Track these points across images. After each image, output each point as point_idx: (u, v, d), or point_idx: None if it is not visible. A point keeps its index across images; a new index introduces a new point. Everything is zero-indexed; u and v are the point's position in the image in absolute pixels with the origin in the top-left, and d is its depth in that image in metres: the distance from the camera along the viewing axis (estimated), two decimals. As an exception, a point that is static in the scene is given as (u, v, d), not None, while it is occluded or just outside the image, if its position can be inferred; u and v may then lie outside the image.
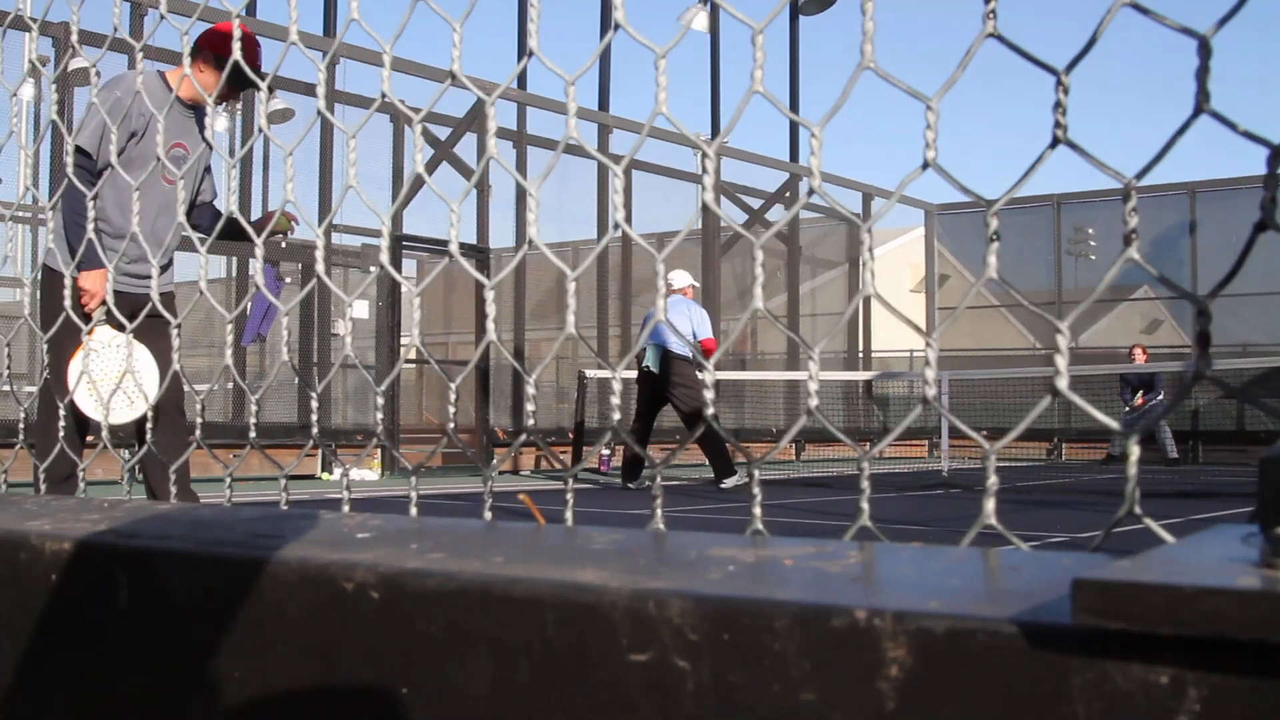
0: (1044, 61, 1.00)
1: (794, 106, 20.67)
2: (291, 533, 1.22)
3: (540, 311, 19.11)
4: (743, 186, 19.73)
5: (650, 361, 11.85)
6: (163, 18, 1.68)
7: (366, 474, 13.72)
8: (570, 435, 15.43)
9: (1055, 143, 0.99)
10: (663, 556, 1.02)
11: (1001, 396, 19.93)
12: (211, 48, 5.01)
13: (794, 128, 20.67)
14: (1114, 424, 1.01)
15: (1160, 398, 18.56)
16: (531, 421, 1.27)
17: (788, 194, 19.97)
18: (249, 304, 13.81)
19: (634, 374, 12.31)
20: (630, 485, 11.97)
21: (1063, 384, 0.99)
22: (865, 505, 1.06)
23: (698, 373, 11.82)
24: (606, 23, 17.98)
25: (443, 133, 15.14)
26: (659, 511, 1.19)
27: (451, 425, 1.26)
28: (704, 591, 0.87)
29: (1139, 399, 18.84)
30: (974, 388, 19.68)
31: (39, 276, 3.04)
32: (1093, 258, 22.16)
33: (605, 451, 15.00)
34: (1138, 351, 18.79)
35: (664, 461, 1.15)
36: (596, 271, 17.95)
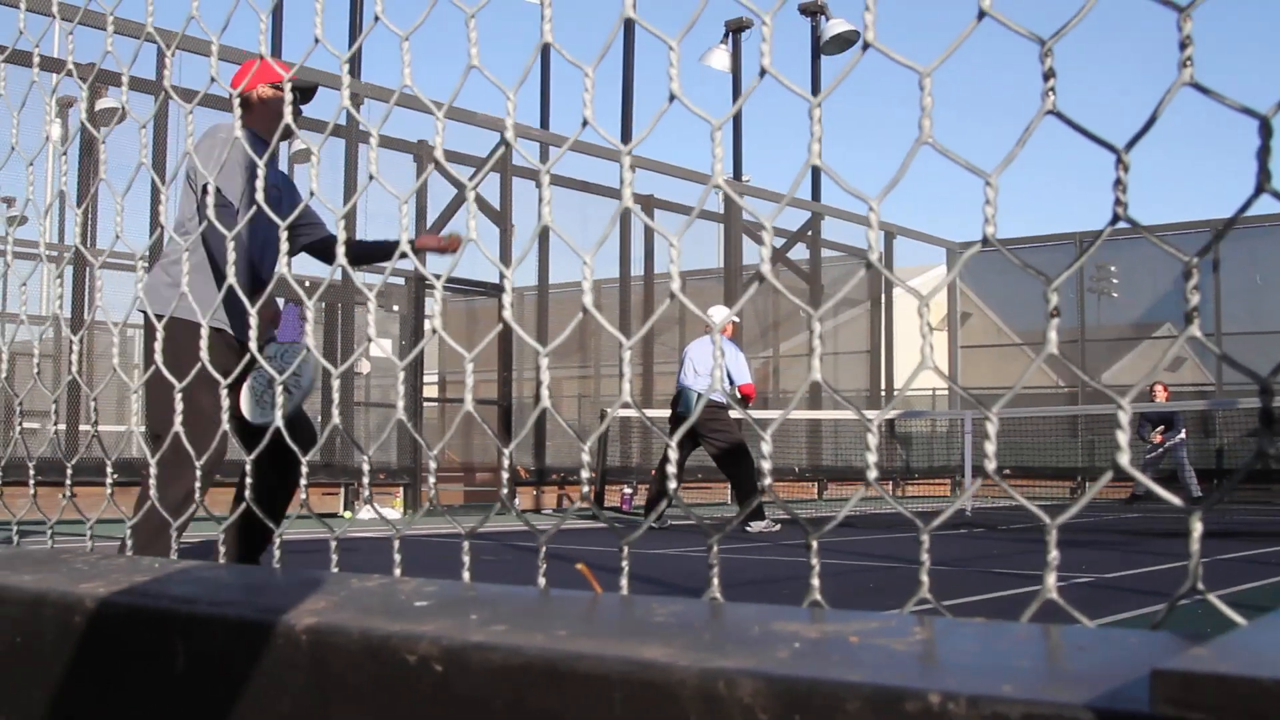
0: (1105, 140, 1.01)
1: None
2: (350, 600, 1.23)
3: (562, 349, 19.12)
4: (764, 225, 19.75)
5: (684, 405, 11.70)
6: (213, 79, 1.71)
7: (389, 512, 13.72)
8: (592, 474, 15.42)
9: (1115, 219, 1.00)
10: (726, 631, 1.02)
11: (1024, 435, 19.87)
12: (269, 80, 5.01)
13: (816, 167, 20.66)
14: (1177, 500, 1.01)
15: (1180, 435, 18.46)
16: (587, 488, 1.27)
17: (809, 232, 19.99)
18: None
19: (658, 414, 12.23)
20: (654, 525, 11.93)
21: (1124, 460, 0.99)
22: (925, 578, 1.07)
23: (731, 414, 11.71)
24: (629, 51, 18.07)
25: (464, 171, 15.21)
26: (715, 580, 1.19)
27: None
28: (774, 671, 0.88)
29: (1157, 435, 18.76)
30: (999, 426, 19.58)
31: (162, 330, 3.03)
32: (1115, 295, 22.12)
33: (627, 490, 14.98)
34: (1158, 389, 18.71)
35: (725, 532, 1.16)
36: (619, 310, 17.97)
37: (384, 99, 13.93)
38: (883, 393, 21.49)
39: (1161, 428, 18.66)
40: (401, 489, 14.41)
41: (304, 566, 1.56)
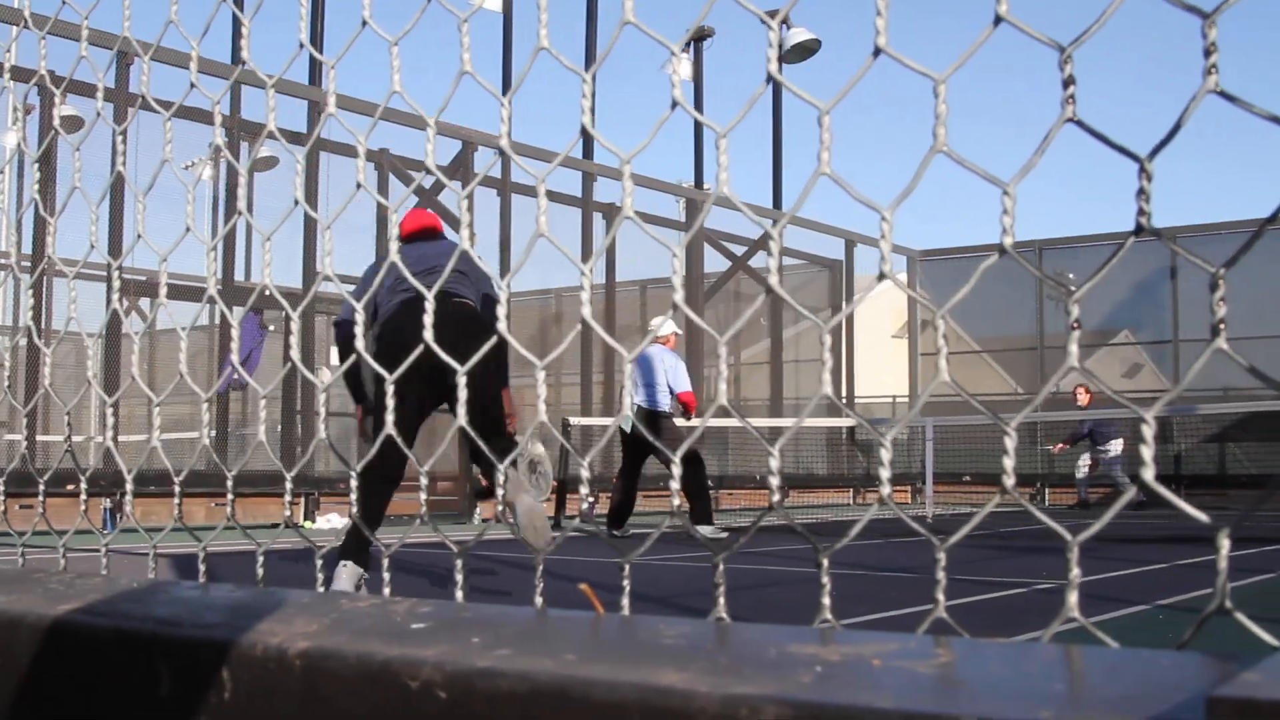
0: (1127, 148, 0.98)
1: (777, 151, 20.75)
2: (342, 622, 1.19)
3: (523, 358, 19.02)
4: (725, 234, 19.78)
5: (624, 423, 11.55)
6: (193, 85, 1.66)
7: (350, 522, 13.59)
8: (554, 483, 15.35)
9: (1139, 230, 0.98)
10: (741, 654, 0.99)
11: (984, 443, 19.94)
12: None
13: (777, 173, 20.73)
14: (1203, 516, 0.99)
15: (1114, 439, 18.53)
16: (586, 504, 1.24)
17: (770, 240, 20.00)
18: (233, 348, 13.79)
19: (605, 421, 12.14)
20: (615, 533, 11.90)
21: (1149, 475, 0.97)
22: (941, 596, 1.04)
23: (676, 422, 11.67)
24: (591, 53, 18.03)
25: (428, 181, 15.13)
26: (721, 600, 1.16)
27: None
28: (800, 697, 0.85)
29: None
30: (957, 433, 19.69)
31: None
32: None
33: (590, 500, 14.90)
34: (1080, 391, 18.86)
35: (733, 550, 1.13)
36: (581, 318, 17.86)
37: (347, 106, 13.82)
38: (843, 401, 21.52)
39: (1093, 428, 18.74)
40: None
41: (273, 582, 1.52)
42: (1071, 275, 22.11)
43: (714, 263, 19.86)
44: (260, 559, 1.53)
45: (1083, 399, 18.73)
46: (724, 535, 11.34)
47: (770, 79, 1.14)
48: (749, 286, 20.57)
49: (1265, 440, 19.06)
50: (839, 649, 0.98)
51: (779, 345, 20.60)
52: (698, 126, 19.85)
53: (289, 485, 1.53)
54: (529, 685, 0.96)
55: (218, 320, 15.12)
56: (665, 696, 0.89)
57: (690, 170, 20.13)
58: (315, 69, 14.82)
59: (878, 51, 1.07)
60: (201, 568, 1.60)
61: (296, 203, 1.55)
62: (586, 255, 17.51)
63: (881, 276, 1.07)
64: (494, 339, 1.41)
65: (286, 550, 8.79)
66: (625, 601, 1.22)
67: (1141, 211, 0.97)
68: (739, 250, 20.00)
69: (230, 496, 1.58)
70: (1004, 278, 21.93)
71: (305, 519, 13.85)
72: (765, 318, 20.46)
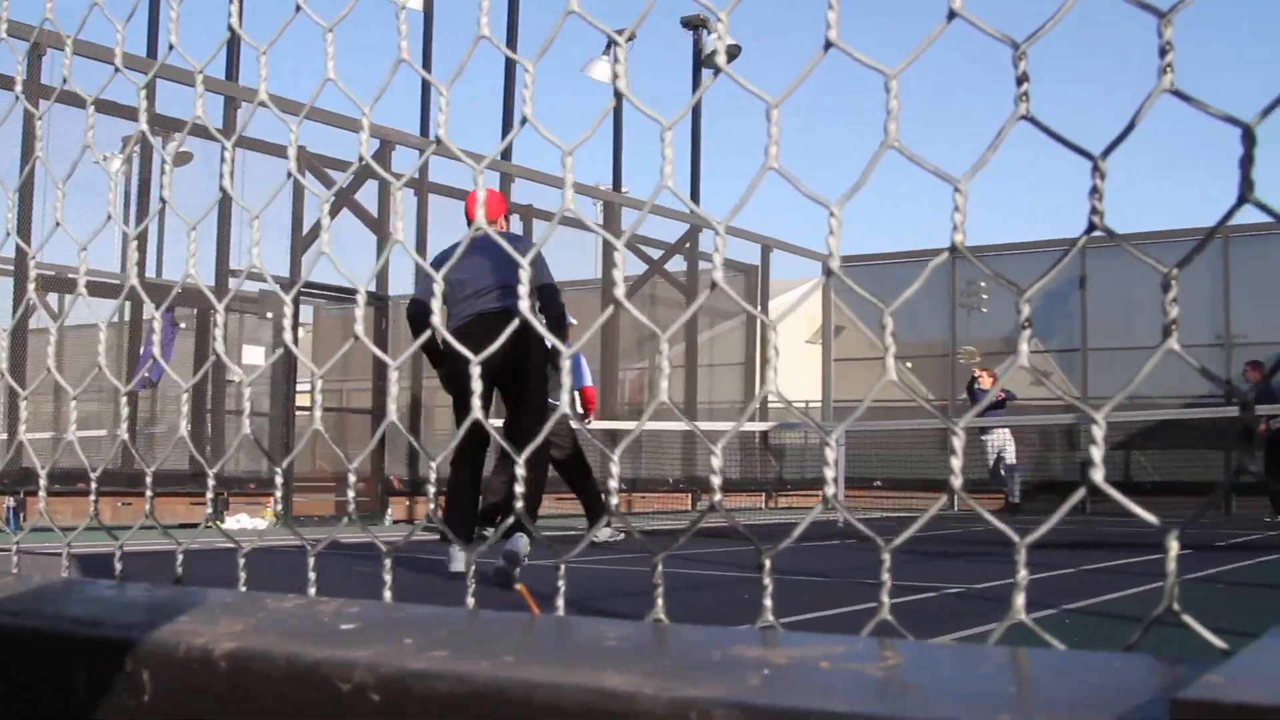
0: (1080, 146, 0.98)
1: (695, 152, 20.80)
2: (269, 622, 1.15)
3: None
4: (643, 237, 19.75)
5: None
6: (116, 70, 1.61)
7: (259, 522, 13.43)
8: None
9: (1091, 228, 0.97)
10: (685, 657, 0.97)
11: (896, 448, 20.13)
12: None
13: (695, 178, 20.77)
14: (1152, 518, 0.98)
15: (1002, 428, 18.69)
16: (520, 503, 1.21)
17: (687, 245, 20.03)
18: (141, 347, 13.60)
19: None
20: (486, 531, 11.78)
21: (1098, 476, 0.96)
22: (886, 599, 1.02)
23: (571, 423, 11.46)
24: (512, 37, 17.99)
25: (338, 176, 14.95)
26: (660, 601, 1.14)
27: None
28: (751, 700, 0.82)
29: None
30: (870, 439, 19.85)
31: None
32: (985, 310, 22.52)
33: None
34: (984, 375, 19.06)
35: (670, 550, 1.10)
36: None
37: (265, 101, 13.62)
38: (757, 405, 21.61)
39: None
40: (274, 498, 14.12)
41: (163, 580, 1.47)
42: (983, 284, 22.39)
43: (630, 265, 19.84)
44: (180, 558, 1.49)
45: (985, 380, 18.91)
46: (620, 538, 11.25)
47: (717, 71, 1.12)
48: (664, 290, 20.56)
49: (1169, 448, 19.42)
50: (784, 651, 0.96)
51: (694, 349, 20.62)
52: (617, 129, 19.83)
53: (211, 483, 1.49)
54: (468, 687, 0.93)
55: (127, 317, 14.86)
56: (610, 699, 0.87)
57: (609, 173, 20.11)
58: (232, 66, 14.60)
59: (828, 45, 1.06)
60: (118, 567, 1.55)
61: (224, 192, 1.51)
62: (503, 256, 17.38)
63: (829, 273, 1.05)
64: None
65: (199, 550, 8.61)
66: (560, 603, 1.20)
67: (1094, 210, 0.96)
68: (654, 254, 20.00)
69: (150, 494, 1.53)
70: (919, 289, 22.10)
71: (215, 518, 13.64)
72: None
